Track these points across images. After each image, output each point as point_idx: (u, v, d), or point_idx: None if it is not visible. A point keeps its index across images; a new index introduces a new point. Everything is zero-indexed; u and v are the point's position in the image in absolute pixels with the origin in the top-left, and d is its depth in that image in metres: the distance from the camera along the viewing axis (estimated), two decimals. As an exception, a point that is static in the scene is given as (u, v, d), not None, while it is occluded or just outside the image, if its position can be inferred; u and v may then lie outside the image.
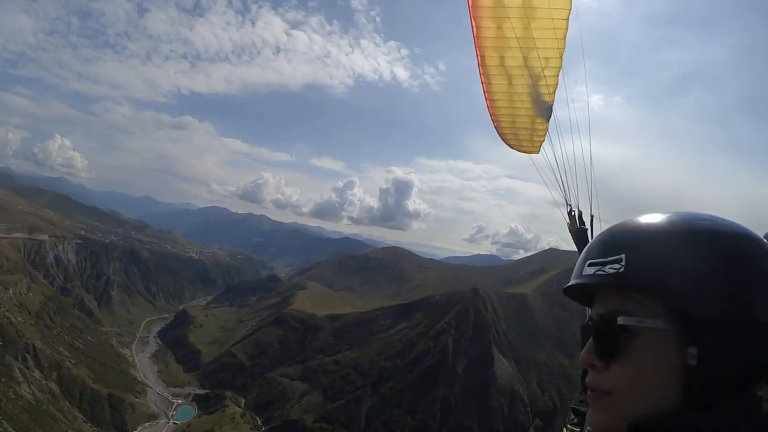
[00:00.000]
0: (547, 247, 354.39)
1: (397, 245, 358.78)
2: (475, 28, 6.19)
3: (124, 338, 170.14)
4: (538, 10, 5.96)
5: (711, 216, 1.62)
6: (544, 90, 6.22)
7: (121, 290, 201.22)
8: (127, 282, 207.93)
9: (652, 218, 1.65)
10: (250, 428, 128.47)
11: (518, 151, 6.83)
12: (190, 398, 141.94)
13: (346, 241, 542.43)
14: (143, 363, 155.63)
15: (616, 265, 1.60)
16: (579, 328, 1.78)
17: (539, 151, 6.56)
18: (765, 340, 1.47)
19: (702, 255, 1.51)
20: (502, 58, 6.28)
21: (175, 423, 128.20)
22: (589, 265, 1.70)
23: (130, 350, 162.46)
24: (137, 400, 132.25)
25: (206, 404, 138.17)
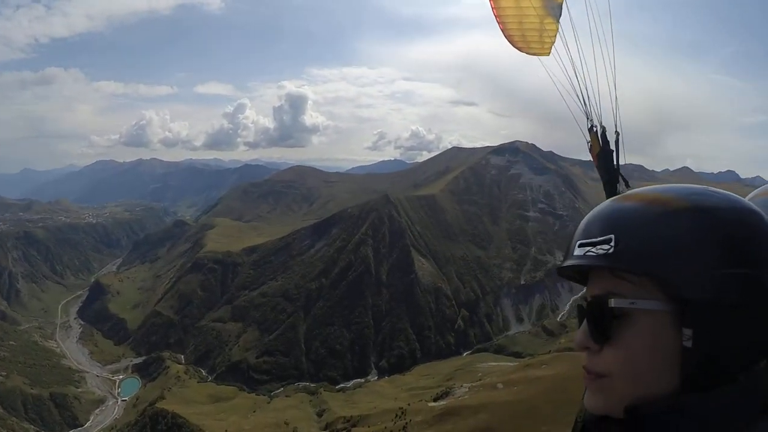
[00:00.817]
0: (450, 147, 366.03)
1: (300, 164, 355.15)
2: None
3: (46, 330, 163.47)
4: None
5: (705, 189, 1.57)
6: None
7: (26, 280, 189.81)
8: (30, 269, 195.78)
9: (643, 195, 1.60)
10: (197, 382, 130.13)
11: (527, 53, 6.61)
12: (130, 370, 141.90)
13: (247, 168, 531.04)
14: (72, 350, 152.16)
15: (606, 246, 1.54)
16: (575, 308, 1.75)
17: (549, 53, 6.34)
18: (764, 320, 1.42)
19: (695, 233, 1.45)
20: None
21: (123, 400, 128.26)
22: (579, 246, 1.64)
23: (56, 341, 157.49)
24: (79, 390, 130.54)
25: (147, 371, 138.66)
